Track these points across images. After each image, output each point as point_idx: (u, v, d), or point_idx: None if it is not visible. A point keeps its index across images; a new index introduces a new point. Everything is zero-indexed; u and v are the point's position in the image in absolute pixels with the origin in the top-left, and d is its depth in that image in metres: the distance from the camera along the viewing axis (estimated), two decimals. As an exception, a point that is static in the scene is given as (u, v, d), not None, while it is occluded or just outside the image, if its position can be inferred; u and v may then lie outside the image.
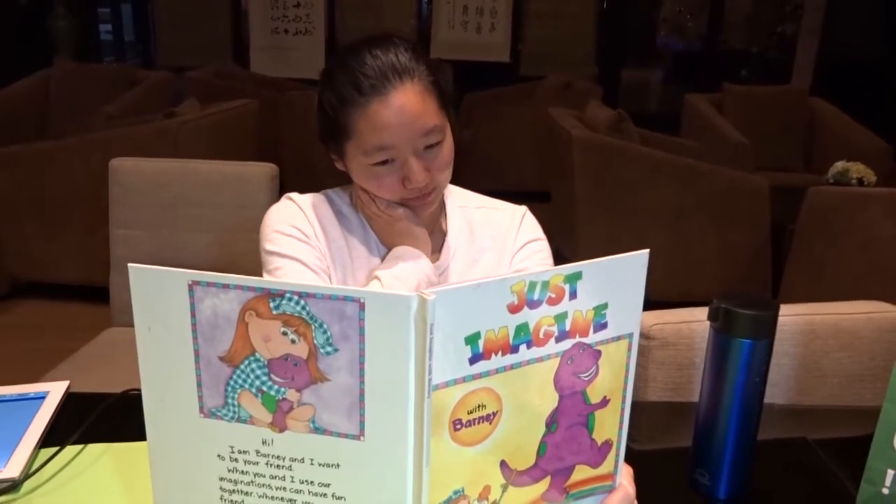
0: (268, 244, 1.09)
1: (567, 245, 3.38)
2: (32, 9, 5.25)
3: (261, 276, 1.07)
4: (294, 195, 1.13)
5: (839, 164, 3.24)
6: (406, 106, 0.99)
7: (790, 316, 1.18)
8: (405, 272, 1.04)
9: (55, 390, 1.06)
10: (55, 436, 0.96)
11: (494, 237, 1.16)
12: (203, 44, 5.98)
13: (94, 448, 0.95)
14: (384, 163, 1.01)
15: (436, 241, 1.14)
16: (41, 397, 1.04)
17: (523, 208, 1.19)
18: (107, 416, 0.99)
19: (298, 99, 4.57)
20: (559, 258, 1.15)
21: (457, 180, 1.13)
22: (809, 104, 4.73)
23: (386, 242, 1.11)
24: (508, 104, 5.16)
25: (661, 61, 6.98)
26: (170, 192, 1.91)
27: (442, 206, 1.16)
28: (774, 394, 1.14)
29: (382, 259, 1.11)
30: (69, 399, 1.06)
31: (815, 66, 5.65)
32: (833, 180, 3.20)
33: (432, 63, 1.04)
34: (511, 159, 4.98)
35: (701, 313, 1.16)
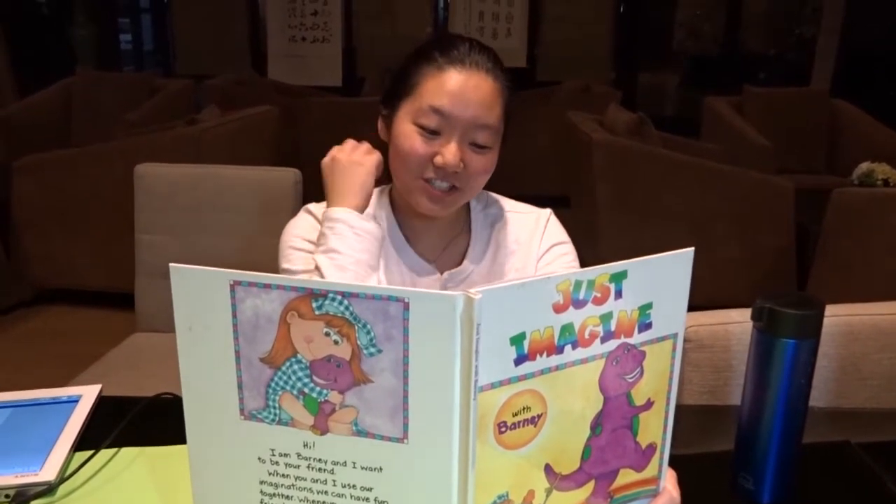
0: (284, 262, 1.08)
1: (588, 251, 3.36)
2: (54, 19, 5.32)
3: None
4: (312, 206, 1.12)
5: (864, 166, 3.20)
6: (480, 88, 1.00)
7: (828, 317, 1.15)
8: (342, 258, 0.99)
9: (88, 394, 1.05)
10: (89, 439, 0.96)
11: (518, 241, 1.14)
12: (221, 52, 6.03)
13: (129, 452, 0.95)
14: (430, 132, 1.00)
15: (459, 245, 1.13)
16: (74, 401, 1.04)
17: (548, 211, 1.18)
18: (139, 420, 0.99)
19: (317, 106, 4.58)
20: (580, 264, 1.14)
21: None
22: (831, 105, 4.68)
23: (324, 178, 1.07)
24: (525, 109, 5.09)
25: (678, 65, 6.95)
26: (195, 198, 1.92)
27: (466, 209, 1.15)
28: (814, 396, 1.10)
29: (407, 263, 1.10)
30: (101, 403, 1.05)
31: (835, 67, 5.59)
32: (858, 182, 3.16)
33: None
34: (529, 164, 4.93)
35: (737, 315, 1.14)
